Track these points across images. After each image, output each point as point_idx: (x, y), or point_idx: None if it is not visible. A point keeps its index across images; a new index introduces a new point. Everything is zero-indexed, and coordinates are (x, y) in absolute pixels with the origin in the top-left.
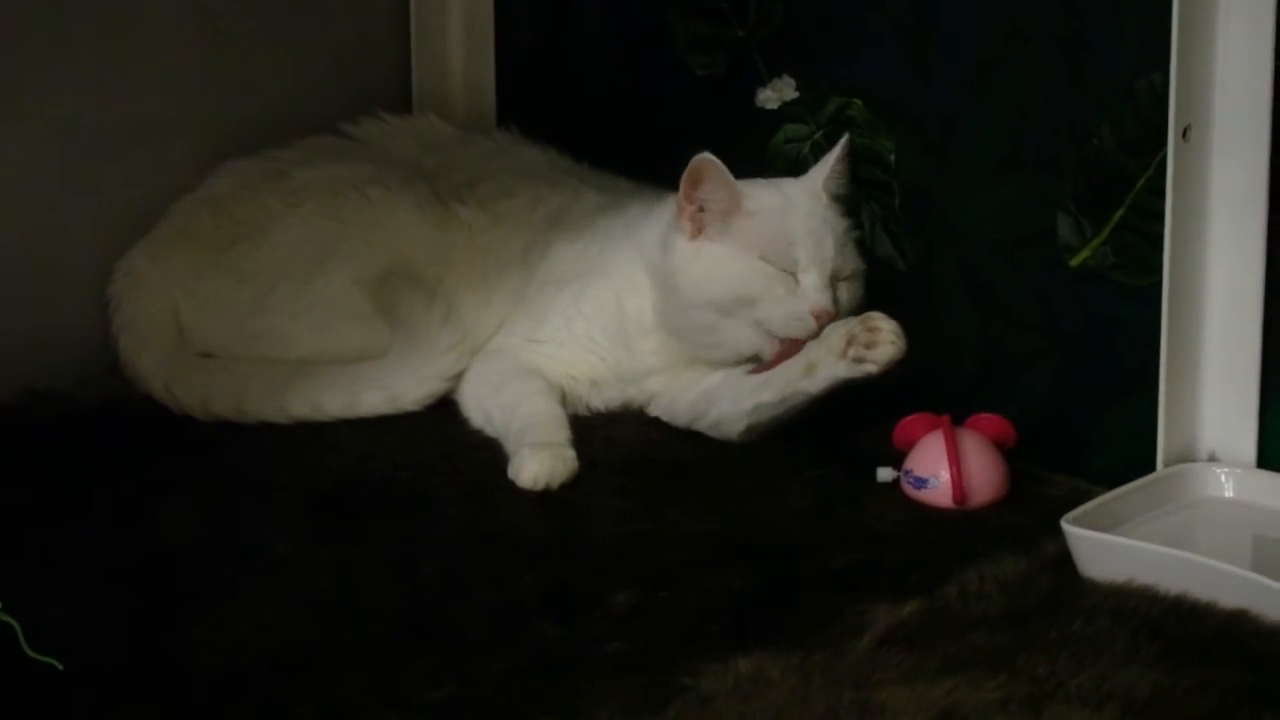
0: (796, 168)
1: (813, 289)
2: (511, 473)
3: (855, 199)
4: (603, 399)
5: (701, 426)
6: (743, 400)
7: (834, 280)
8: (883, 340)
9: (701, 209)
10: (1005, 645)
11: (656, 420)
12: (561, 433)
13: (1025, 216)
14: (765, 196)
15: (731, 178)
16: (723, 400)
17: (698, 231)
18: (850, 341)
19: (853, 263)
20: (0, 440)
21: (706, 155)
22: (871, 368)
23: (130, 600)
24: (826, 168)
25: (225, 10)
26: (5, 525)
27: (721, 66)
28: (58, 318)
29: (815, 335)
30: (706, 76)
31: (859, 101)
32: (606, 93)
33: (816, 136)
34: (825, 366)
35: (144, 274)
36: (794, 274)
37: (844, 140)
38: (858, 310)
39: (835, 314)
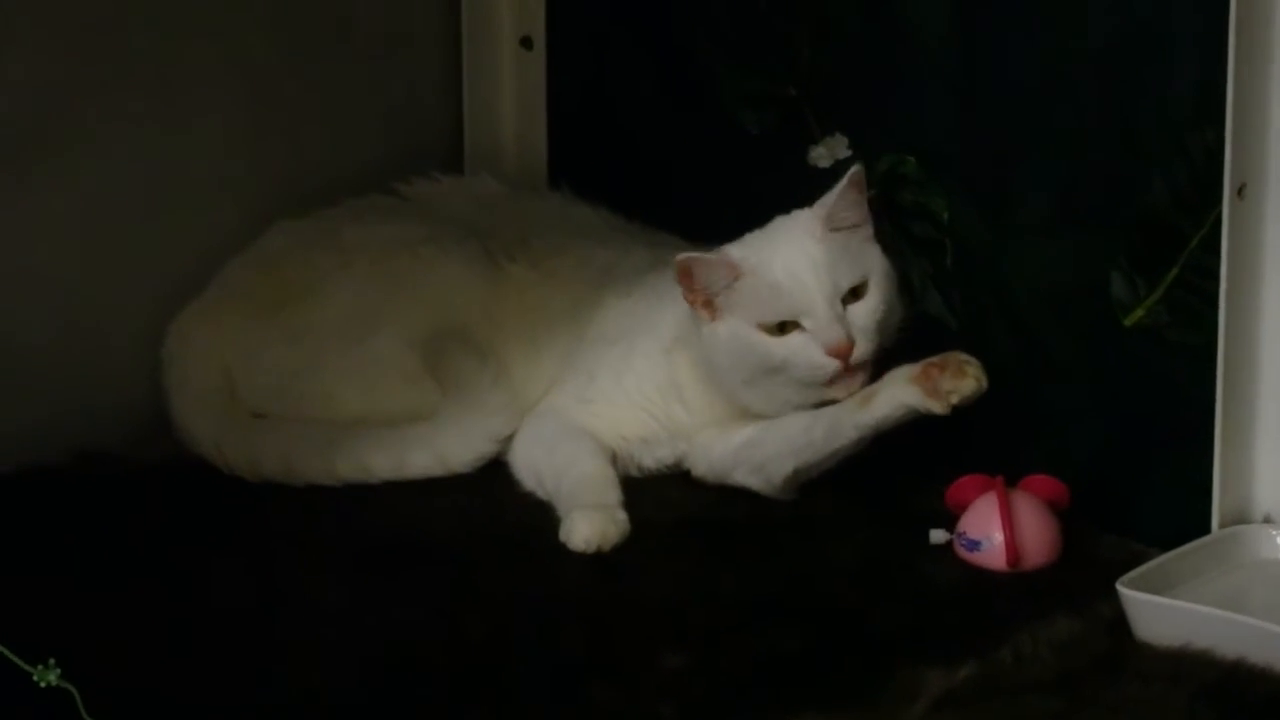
0: None
1: (819, 330)
2: (563, 535)
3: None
4: (654, 457)
5: (741, 475)
6: (794, 437)
7: (842, 301)
8: (969, 374)
9: (707, 295)
10: (1060, 709)
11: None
12: (613, 494)
13: (1078, 274)
14: (753, 252)
15: (714, 257)
16: (769, 441)
17: (715, 315)
18: (928, 370)
19: (857, 268)
20: (51, 502)
21: (682, 256)
22: (952, 398)
23: (182, 662)
24: (831, 198)
25: (274, 71)
26: (57, 588)
27: (773, 124)
28: (108, 380)
29: (850, 369)
30: (758, 134)
31: (911, 159)
32: (658, 151)
33: (869, 194)
34: (888, 395)
35: (195, 334)
36: (798, 323)
37: (854, 169)
38: (894, 311)
39: (853, 340)
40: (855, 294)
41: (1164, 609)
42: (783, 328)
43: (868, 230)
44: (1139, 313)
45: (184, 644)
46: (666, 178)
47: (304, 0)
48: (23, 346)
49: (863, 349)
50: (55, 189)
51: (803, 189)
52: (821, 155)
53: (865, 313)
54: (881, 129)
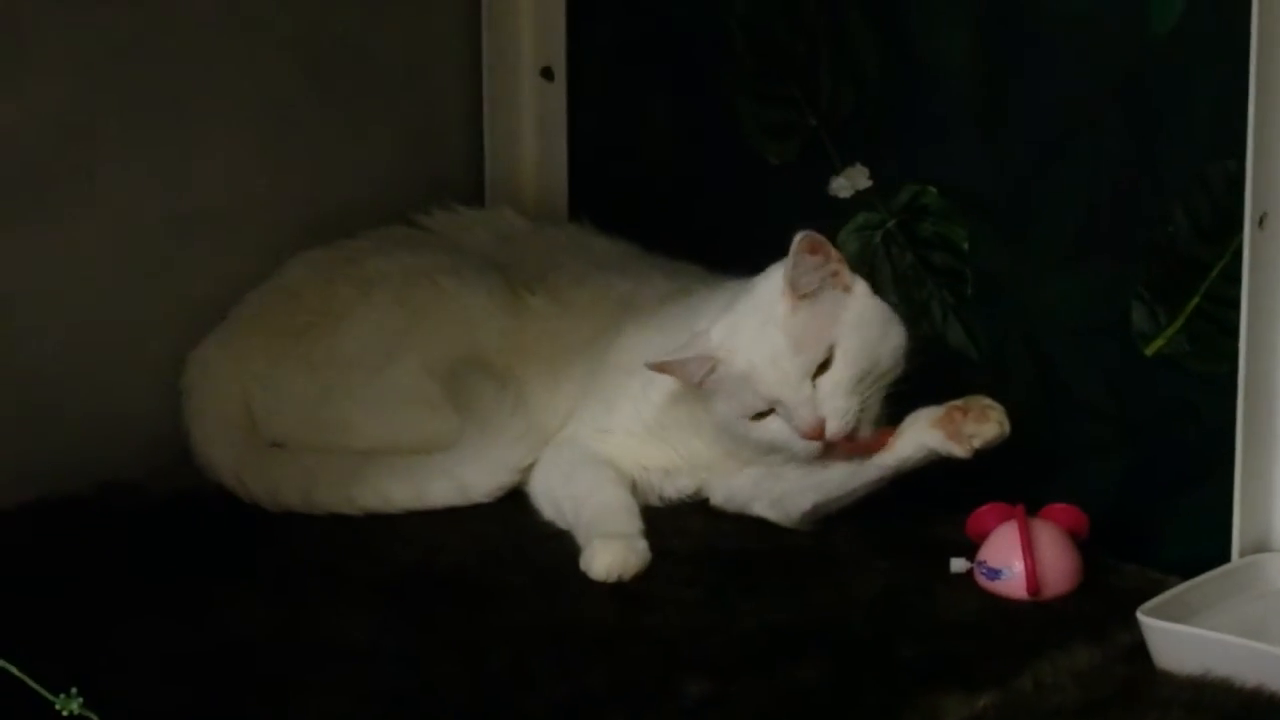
0: (868, 256)
1: (793, 414)
2: (584, 564)
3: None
4: (675, 487)
5: (760, 507)
6: (814, 473)
7: (812, 377)
8: (992, 418)
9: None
10: None
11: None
12: (633, 523)
13: (1098, 304)
14: (727, 338)
15: (689, 356)
16: (789, 475)
17: (705, 397)
18: (951, 414)
19: (823, 339)
20: (72, 532)
21: (656, 361)
22: (974, 442)
23: (202, 692)
24: (787, 269)
25: (295, 100)
26: (78, 618)
27: (794, 154)
28: (128, 409)
29: (829, 448)
30: (779, 164)
31: (933, 189)
32: (678, 181)
33: (890, 225)
34: (910, 437)
35: (216, 364)
36: (772, 409)
37: (797, 237)
38: (875, 360)
39: (824, 418)
40: (824, 365)
41: (1184, 637)
42: (762, 413)
43: (838, 284)
44: (1159, 342)
45: (204, 674)
46: (687, 208)
47: (325, 30)
48: (44, 376)
49: (836, 425)
50: (76, 217)
51: (824, 219)
52: (843, 186)
53: (832, 385)
54: (902, 159)
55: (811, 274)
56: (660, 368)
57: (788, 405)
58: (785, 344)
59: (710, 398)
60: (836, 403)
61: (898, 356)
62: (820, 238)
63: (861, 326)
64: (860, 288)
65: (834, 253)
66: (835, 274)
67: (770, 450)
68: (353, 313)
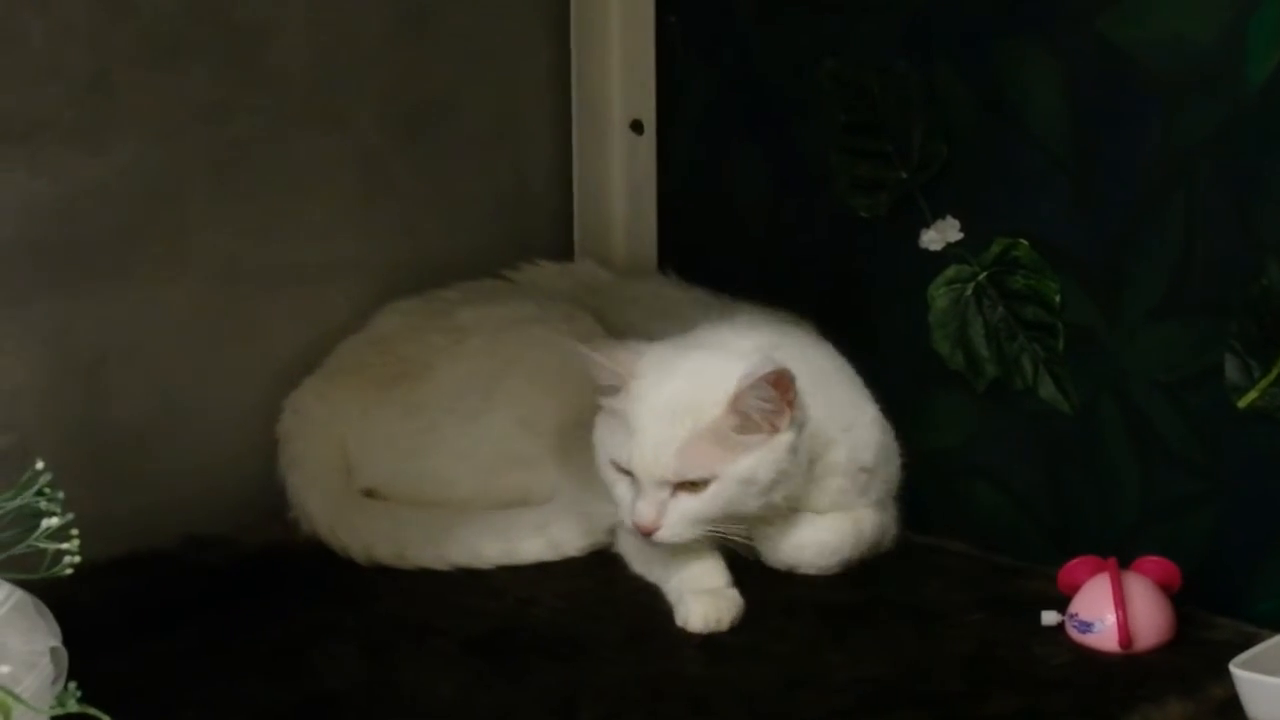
0: (959, 309)
1: (636, 501)
2: (680, 619)
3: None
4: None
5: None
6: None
7: (677, 486)
8: None
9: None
10: None
11: None
12: (722, 576)
13: (1191, 357)
14: (653, 368)
15: (618, 356)
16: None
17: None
18: None
19: (712, 466)
20: (161, 586)
21: (584, 348)
22: None
23: None
24: (746, 382)
25: (385, 157)
26: (167, 672)
27: (884, 208)
28: (217, 462)
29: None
30: (869, 219)
31: (1024, 242)
32: (768, 235)
33: (980, 278)
34: None
35: (312, 411)
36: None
37: (780, 370)
38: (738, 503)
39: (659, 527)
40: (693, 486)
41: (1277, 690)
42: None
43: (769, 426)
44: (1253, 395)
45: None
46: (777, 262)
47: (415, 85)
48: (133, 429)
49: (665, 536)
50: (166, 274)
51: (914, 272)
52: (933, 239)
53: (684, 511)
54: (993, 212)
55: (758, 403)
56: (585, 354)
57: (639, 490)
58: (680, 441)
59: (600, 411)
60: (677, 526)
61: (778, 495)
62: (790, 378)
63: (751, 480)
64: (784, 440)
65: (790, 397)
66: (776, 415)
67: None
68: (445, 361)
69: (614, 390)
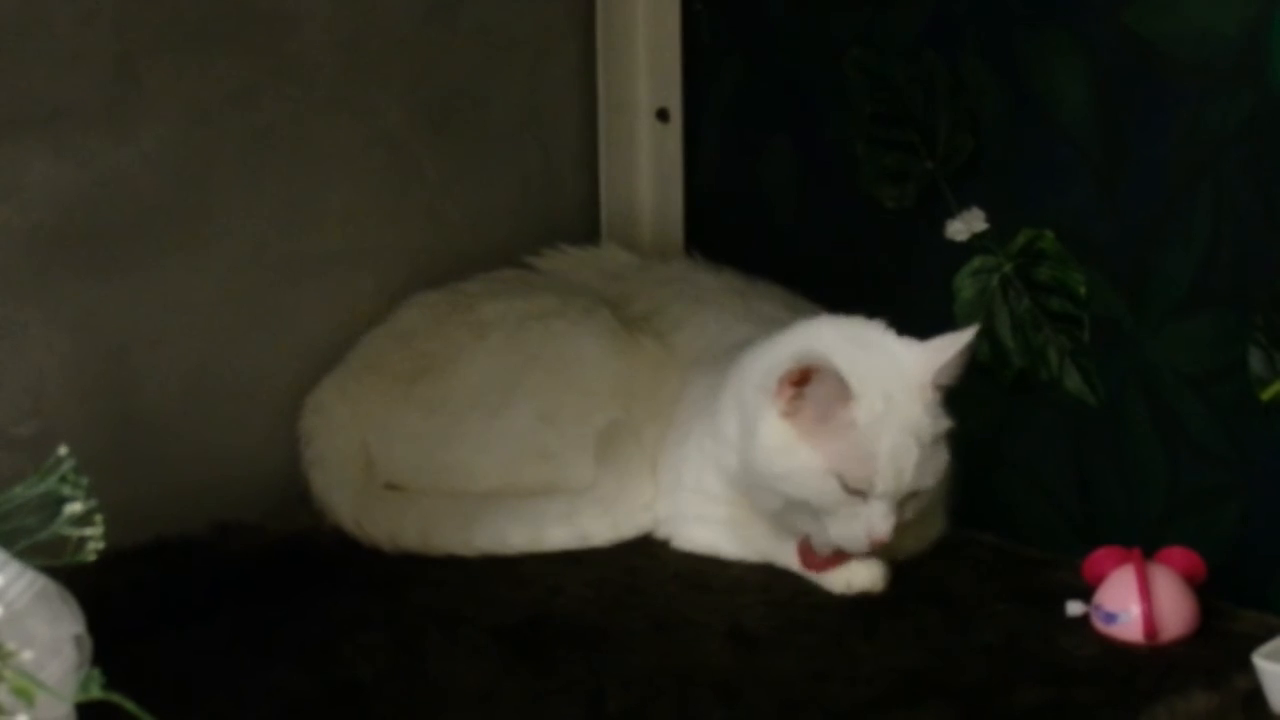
0: (985, 300)
1: (877, 516)
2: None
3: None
4: None
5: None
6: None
7: (904, 500)
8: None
9: (802, 396)
10: None
11: None
12: None
13: (1215, 349)
14: (868, 405)
15: (846, 384)
16: None
17: (792, 413)
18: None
19: (929, 477)
20: (189, 573)
21: (821, 357)
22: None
23: None
24: (944, 357)
25: (412, 145)
26: (194, 658)
27: (910, 199)
28: (245, 450)
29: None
30: (895, 208)
31: (1050, 234)
32: (793, 224)
33: (1006, 269)
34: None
35: (334, 408)
36: (864, 494)
37: (973, 330)
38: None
39: (890, 536)
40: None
41: None
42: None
43: (948, 427)
44: (1277, 387)
45: (321, 716)
46: (802, 251)
47: (442, 73)
48: (160, 417)
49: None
50: (191, 260)
51: (939, 263)
52: (959, 229)
53: (914, 509)
54: (1019, 203)
55: (957, 371)
56: (812, 369)
57: (876, 510)
58: (920, 454)
59: (804, 436)
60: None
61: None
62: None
63: (938, 468)
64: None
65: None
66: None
67: (811, 515)
68: (467, 356)
69: (824, 409)
